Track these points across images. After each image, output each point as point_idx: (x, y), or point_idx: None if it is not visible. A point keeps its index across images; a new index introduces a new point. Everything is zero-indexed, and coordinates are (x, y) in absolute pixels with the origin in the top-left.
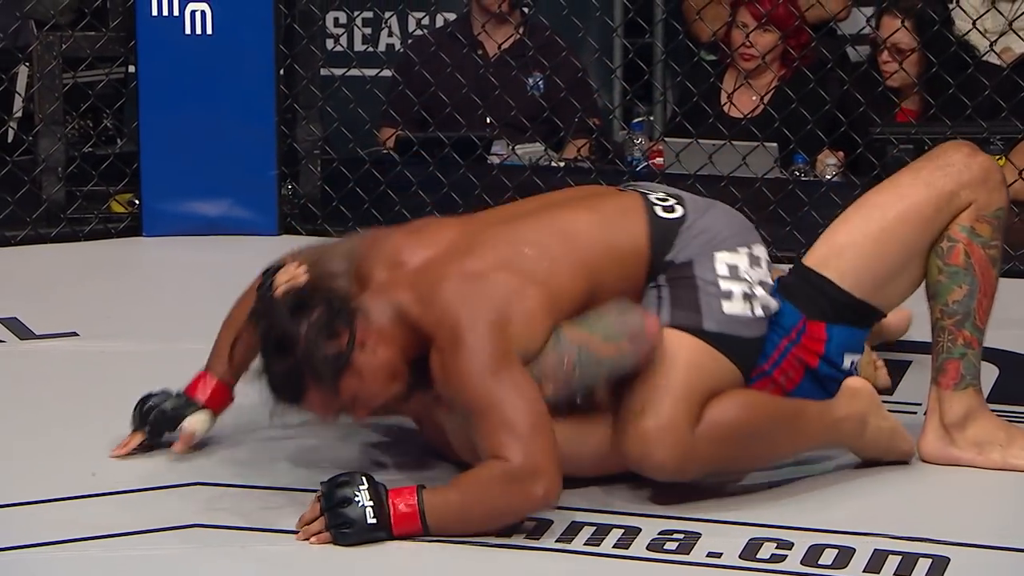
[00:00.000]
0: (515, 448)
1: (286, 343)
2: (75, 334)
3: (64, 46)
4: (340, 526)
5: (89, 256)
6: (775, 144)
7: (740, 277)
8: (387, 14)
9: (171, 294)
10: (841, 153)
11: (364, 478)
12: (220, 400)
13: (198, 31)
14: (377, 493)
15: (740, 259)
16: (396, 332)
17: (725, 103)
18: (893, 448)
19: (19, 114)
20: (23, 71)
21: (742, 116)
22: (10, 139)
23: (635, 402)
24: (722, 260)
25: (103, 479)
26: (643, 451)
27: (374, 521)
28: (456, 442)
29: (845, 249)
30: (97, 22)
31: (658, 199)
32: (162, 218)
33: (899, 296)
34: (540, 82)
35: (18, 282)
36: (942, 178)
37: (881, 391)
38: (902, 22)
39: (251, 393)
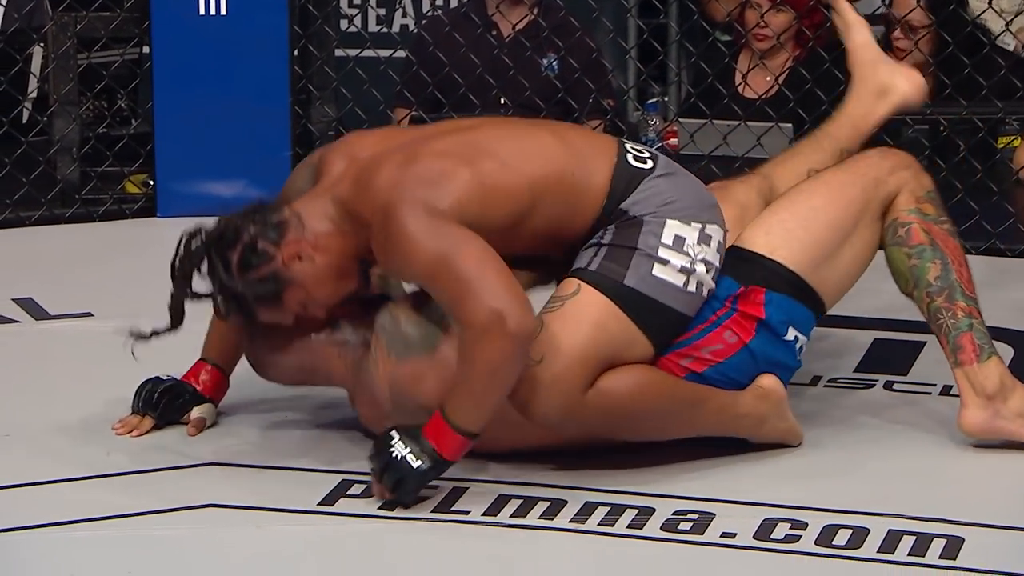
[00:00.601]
0: (471, 305)
1: (222, 282)
2: (90, 314)
3: (79, 26)
4: (398, 486)
5: (104, 237)
6: (790, 125)
7: (683, 251)
8: None
9: None
10: None
11: (394, 431)
12: (219, 389)
13: (212, 11)
14: (412, 437)
15: (690, 232)
16: (339, 229)
17: (740, 84)
18: (781, 442)
19: (34, 95)
20: (38, 51)
21: (757, 97)
22: (25, 120)
23: (535, 350)
24: (671, 229)
25: (118, 459)
26: (530, 399)
27: (420, 463)
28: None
29: (773, 227)
30: (112, 2)
31: (635, 149)
32: (176, 198)
33: (836, 282)
34: (554, 63)
35: (33, 263)
36: (864, 167)
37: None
38: (917, 1)
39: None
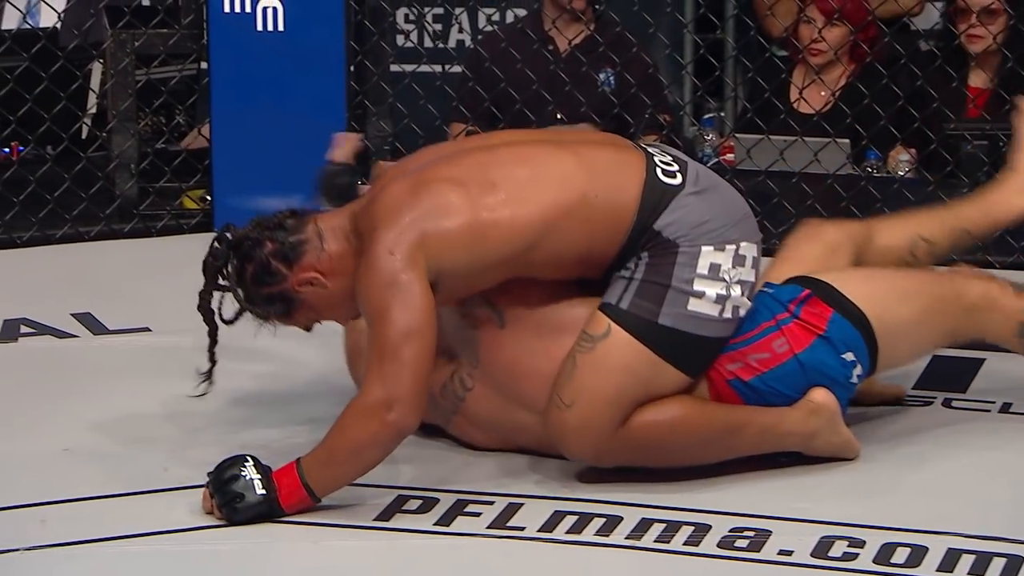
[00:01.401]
0: (374, 378)
1: (234, 291)
2: (147, 329)
3: (137, 43)
4: (230, 502)
5: (161, 252)
6: (847, 140)
7: (718, 278)
8: (457, 10)
9: None
10: (914, 150)
11: (249, 457)
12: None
13: (270, 28)
14: (263, 468)
15: (724, 258)
16: (354, 249)
17: (796, 100)
18: (836, 456)
19: (93, 111)
20: (97, 68)
21: (812, 112)
22: (84, 136)
23: (565, 393)
24: (706, 258)
25: (176, 474)
26: (562, 441)
27: (263, 492)
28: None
29: (855, 274)
30: (170, 19)
31: (663, 161)
32: (233, 214)
33: (892, 347)
34: (611, 78)
35: (92, 278)
36: (943, 278)
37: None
38: None
39: (321, 390)
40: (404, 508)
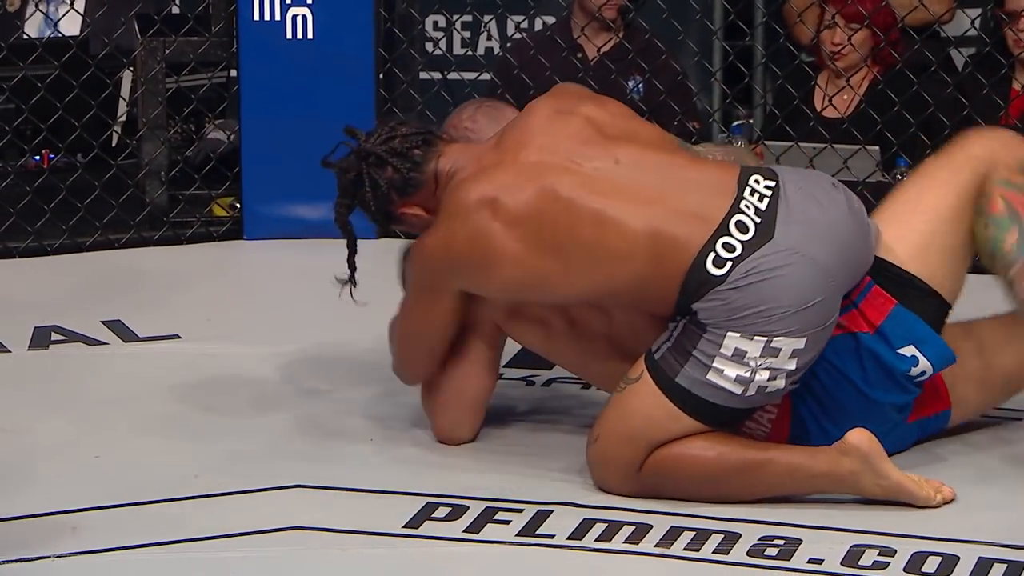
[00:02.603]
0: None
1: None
2: (177, 336)
3: (167, 51)
4: None
5: (191, 259)
6: (876, 147)
7: (743, 362)
8: (486, 17)
9: (272, 297)
10: None
11: None
12: None
13: (299, 35)
14: None
15: (752, 346)
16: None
17: (824, 106)
18: (898, 499)
19: (123, 118)
20: (127, 76)
21: (839, 115)
22: (114, 143)
23: (595, 427)
24: (732, 342)
25: (205, 481)
26: (592, 470)
27: None
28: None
29: (882, 224)
30: (200, 27)
31: (726, 244)
32: (263, 221)
33: (945, 272)
34: (640, 85)
35: (122, 285)
36: (954, 151)
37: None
38: None
39: (351, 397)
40: (433, 515)
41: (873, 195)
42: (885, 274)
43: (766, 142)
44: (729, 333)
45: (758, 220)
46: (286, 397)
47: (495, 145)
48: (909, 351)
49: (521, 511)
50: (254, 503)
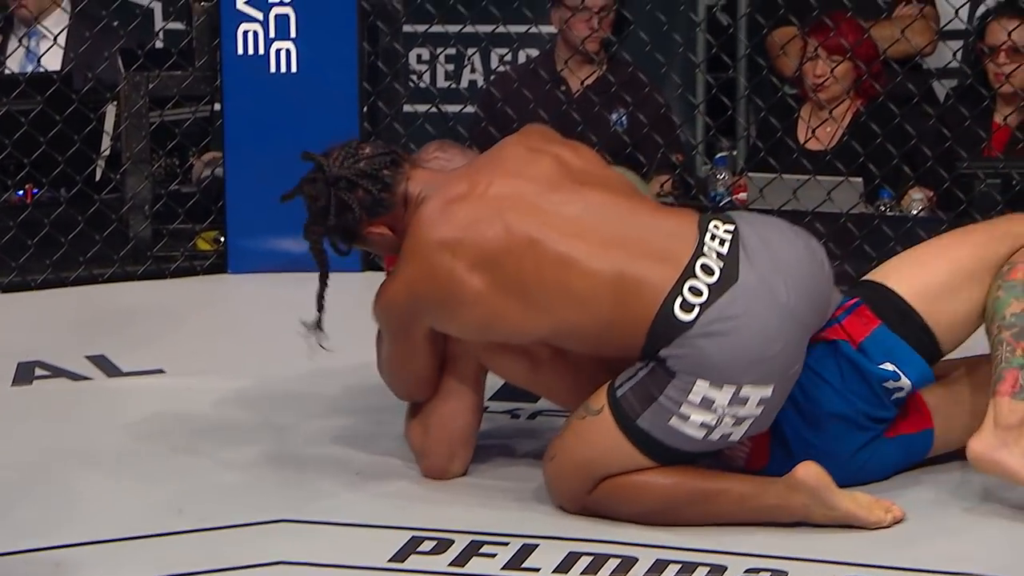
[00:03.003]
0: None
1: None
2: (161, 371)
3: (151, 85)
4: None
5: (175, 293)
6: (860, 179)
7: (711, 410)
8: (470, 51)
9: (256, 331)
10: (931, 192)
11: None
12: None
13: (283, 70)
14: None
15: (720, 395)
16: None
17: (807, 138)
18: (851, 524)
19: (107, 153)
20: (111, 110)
21: (821, 148)
22: (98, 177)
23: (553, 445)
24: (700, 390)
25: (190, 516)
26: (547, 485)
27: None
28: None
29: (901, 260)
30: (184, 61)
31: (692, 288)
32: (247, 255)
33: (950, 321)
34: (623, 118)
35: (106, 319)
36: (999, 223)
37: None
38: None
39: (336, 431)
40: (419, 549)
41: (857, 226)
42: (883, 300)
43: (750, 174)
44: (699, 381)
45: (721, 264)
46: (271, 431)
47: (463, 175)
48: (888, 366)
49: (507, 544)
50: (239, 538)
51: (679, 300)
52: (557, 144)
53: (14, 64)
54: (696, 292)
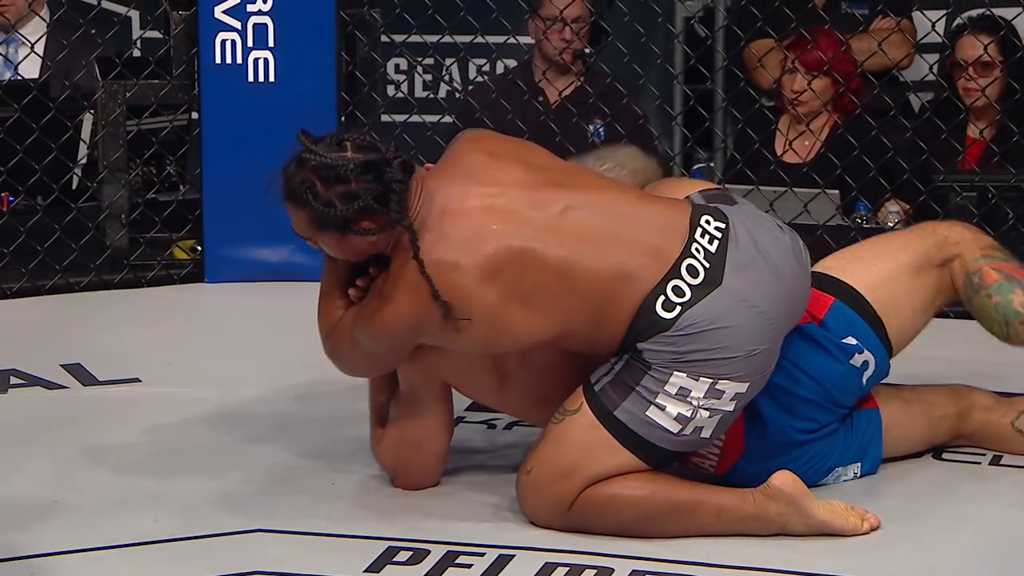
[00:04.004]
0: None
1: (306, 187)
2: (138, 380)
3: (128, 94)
4: None
5: (152, 302)
6: (836, 191)
7: (686, 400)
8: (448, 61)
9: (233, 340)
10: (908, 206)
11: None
12: None
13: (261, 79)
14: None
15: (696, 386)
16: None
17: (784, 151)
18: (827, 533)
19: (84, 161)
20: (88, 118)
21: (799, 160)
22: (74, 186)
23: (530, 459)
24: (677, 381)
25: (165, 526)
26: (522, 502)
27: None
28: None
29: (841, 257)
30: (161, 70)
31: (676, 288)
32: (224, 264)
33: (893, 305)
34: (601, 129)
35: (82, 328)
36: (924, 225)
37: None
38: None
39: (312, 441)
40: (394, 559)
41: (833, 238)
42: (831, 284)
43: (727, 186)
44: (676, 372)
45: (707, 265)
46: (246, 440)
47: (436, 190)
48: (851, 340)
49: (483, 555)
50: (214, 547)
51: (661, 299)
52: (511, 146)
53: None
54: (679, 292)
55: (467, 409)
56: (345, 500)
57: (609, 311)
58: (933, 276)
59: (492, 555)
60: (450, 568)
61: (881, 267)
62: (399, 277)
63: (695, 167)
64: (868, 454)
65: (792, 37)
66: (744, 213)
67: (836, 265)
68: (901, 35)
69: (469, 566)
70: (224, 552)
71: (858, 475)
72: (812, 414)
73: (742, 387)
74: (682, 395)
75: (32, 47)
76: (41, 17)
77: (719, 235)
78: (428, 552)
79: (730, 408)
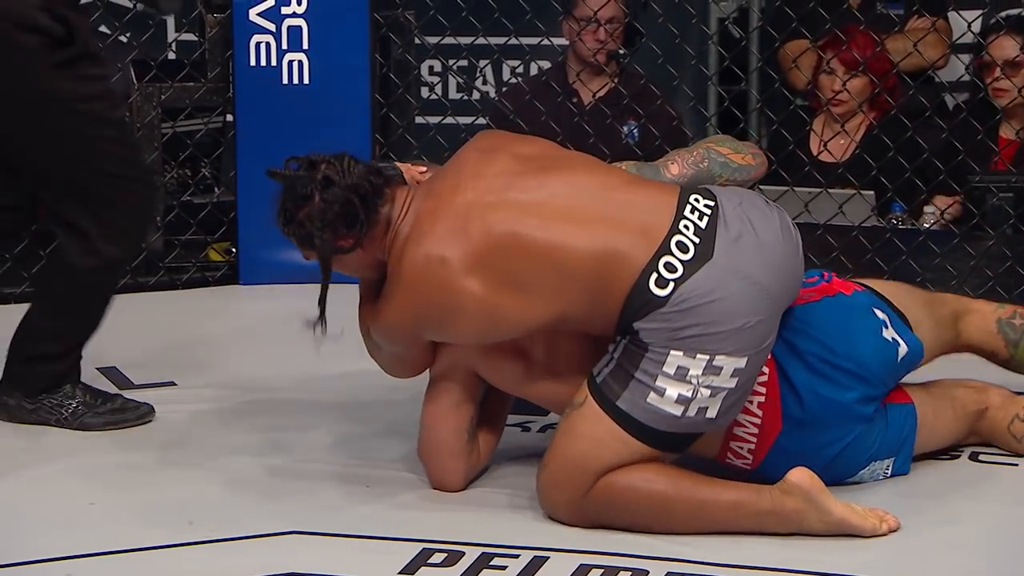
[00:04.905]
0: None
1: (306, 202)
2: (173, 384)
3: (164, 96)
4: None
5: (187, 305)
6: (872, 192)
7: (685, 380)
8: (482, 62)
9: (268, 343)
10: (954, 200)
11: None
12: None
13: (295, 81)
14: None
15: (694, 364)
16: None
17: (820, 151)
18: (842, 532)
19: None
20: None
21: (834, 161)
22: None
23: (546, 454)
24: (674, 360)
25: (200, 528)
26: (540, 496)
27: None
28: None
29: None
30: (196, 73)
31: (667, 264)
32: (259, 267)
33: (921, 322)
34: (635, 130)
35: (117, 331)
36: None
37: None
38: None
39: (347, 442)
40: (429, 561)
41: (869, 240)
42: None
43: (761, 187)
44: (672, 351)
45: (697, 240)
46: (282, 443)
47: (428, 191)
48: (880, 314)
49: (517, 557)
50: (250, 549)
51: (654, 276)
52: (510, 141)
53: None
54: (671, 268)
55: None
56: (380, 502)
57: (603, 291)
58: (948, 317)
59: (527, 556)
60: (485, 570)
61: (902, 290)
62: (394, 277)
63: None
64: (902, 450)
65: (827, 37)
66: (733, 192)
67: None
68: (936, 35)
69: (504, 568)
70: (259, 554)
71: (889, 473)
72: (850, 383)
73: (740, 362)
74: (680, 374)
75: None
76: None
77: (708, 211)
78: (463, 554)
79: (731, 385)
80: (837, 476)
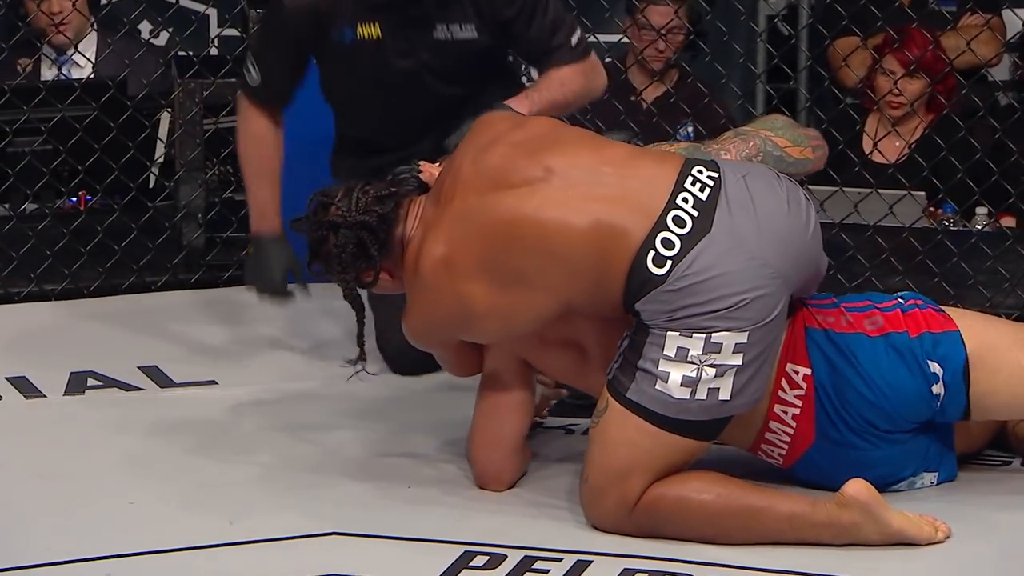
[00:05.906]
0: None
1: (322, 246)
2: (214, 382)
3: (205, 93)
4: None
5: (228, 302)
6: (923, 193)
7: (687, 360)
8: None
9: (309, 341)
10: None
11: None
12: None
13: None
14: None
15: (692, 343)
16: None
17: (871, 151)
18: (899, 542)
19: (160, 160)
20: (165, 117)
21: (887, 163)
22: (151, 185)
23: (585, 468)
24: (672, 341)
25: (240, 528)
26: (585, 510)
27: None
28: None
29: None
30: (238, 69)
31: (665, 240)
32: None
33: (990, 372)
34: (690, 130)
35: (158, 329)
36: None
37: None
38: None
39: (388, 443)
40: (471, 564)
41: (919, 241)
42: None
43: (810, 186)
44: (669, 332)
45: (696, 213)
46: (324, 442)
47: (431, 200)
48: (935, 368)
49: (560, 560)
50: (290, 550)
51: (651, 254)
52: (507, 129)
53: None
54: (668, 245)
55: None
56: (422, 503)
57: (605, 272)
58: None
59: (570, 560)
60: (527, 573)
61: (1004, 330)
62: (411, 288)
63: None
64: (945, 462)
65: (881, 35)
66: (739, 166)
67: (958, 314)
68: (990, 32)
69: (547, 571)
70: (300, 555)
71: (934, 483)
72: (869, 416)
73: (740, 337)
74: (681, 356)
75: (94, 66)
76: (93, 28)
77: (711, 183)
78: (505, 557)
79: (737, 362)
80: (877, 487)
